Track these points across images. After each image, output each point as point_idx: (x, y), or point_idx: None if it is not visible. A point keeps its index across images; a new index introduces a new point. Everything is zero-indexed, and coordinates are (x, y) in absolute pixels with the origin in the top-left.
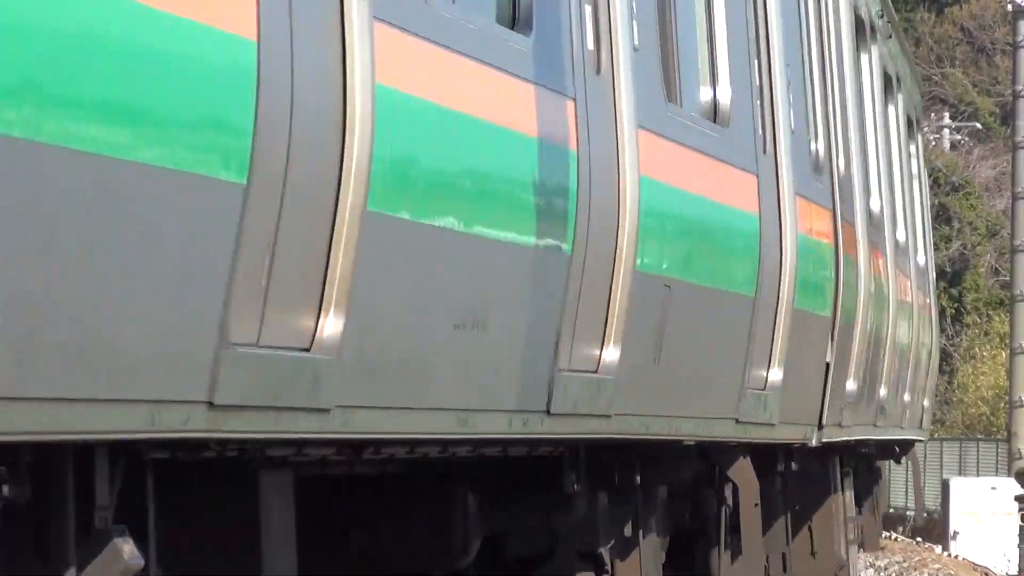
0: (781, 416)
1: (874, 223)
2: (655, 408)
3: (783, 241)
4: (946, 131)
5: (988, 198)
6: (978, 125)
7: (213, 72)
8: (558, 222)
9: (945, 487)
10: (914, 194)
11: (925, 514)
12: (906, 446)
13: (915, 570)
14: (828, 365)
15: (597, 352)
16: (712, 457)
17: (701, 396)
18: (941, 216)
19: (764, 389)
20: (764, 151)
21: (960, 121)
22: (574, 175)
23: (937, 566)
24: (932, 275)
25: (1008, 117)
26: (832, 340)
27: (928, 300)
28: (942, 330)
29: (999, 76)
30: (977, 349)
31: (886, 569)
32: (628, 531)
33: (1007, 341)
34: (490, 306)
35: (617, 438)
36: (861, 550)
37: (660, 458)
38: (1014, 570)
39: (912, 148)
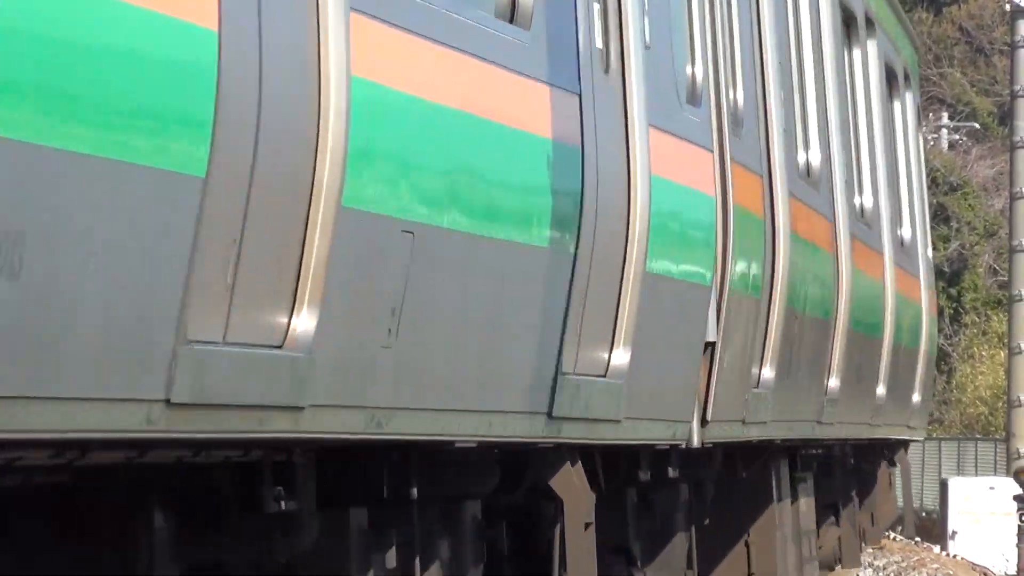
0: (631, 410)
1: (812, 180)
2: (391, 400)
3: (632, 182)
4: (944, 131)
5: (986, 198)
6: (976, 125)
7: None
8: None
9: (943, 487)
10: (906, 176)
11: (917, 515)
12: (897, 446)
13: (913, 570)
14: (712, 346)
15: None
16: (532, 466)
17: (451, 382)
18: (939, 216)
19: (605, 375)
20: (606, 70)
21: (958, 121)
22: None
23: (936, 566)
24: (921, 254)
25: (1006, 117)
26: (719, 315)
27: (918, 284)
28: (940, 330)
29: (997, 76)
30: (975, 349)
31: (884, 569)
32: (392, 561)
33: (1005, 341)
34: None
35: (310, 437)
36: (839, 565)
37: (447, 464)
38: (1012, 570)
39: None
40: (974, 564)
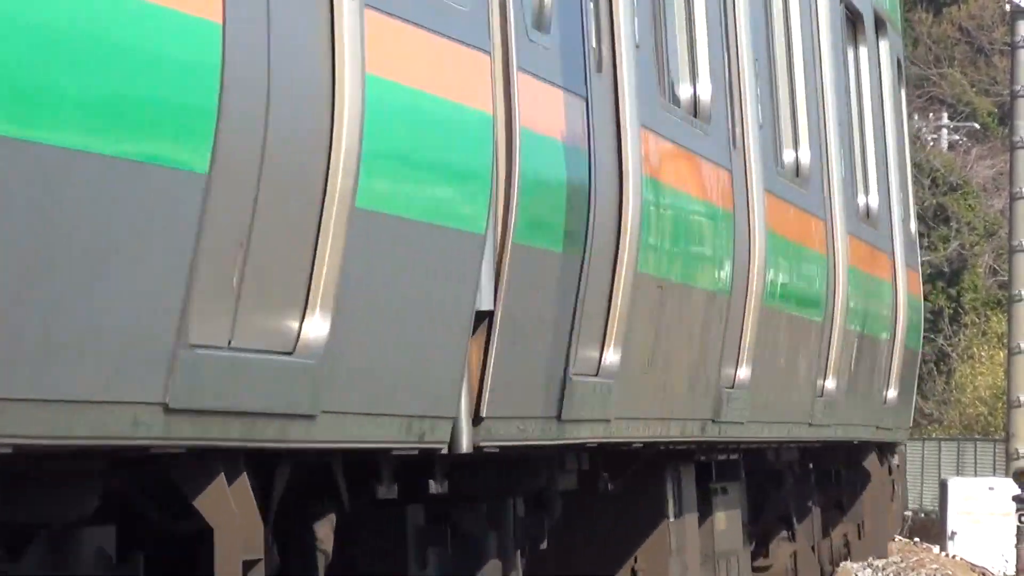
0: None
1: (702, 117)
2: None
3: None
4: (944, 131)
5: (986, 198)
6: (976, 125)
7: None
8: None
9: (943, 487)
10: (871, 134)
11: (909, 515)
12: (869, 449)
13: (912, 570)
14: (489, 318)
15: None
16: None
17: None
18: (939, 216)
19: (292, 353)
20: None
21: (958, 121)
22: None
23: (935, 566)
24: (898, 226)
25: (1006, 117)
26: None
27: (889, 262)
28: (939, 330)
29: (997, 76)
30: (975, 349)
31: (883, 569)
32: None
33: (1005, 341)
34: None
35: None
36: None
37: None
38: (1012, 570)
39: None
40: (973, 565)
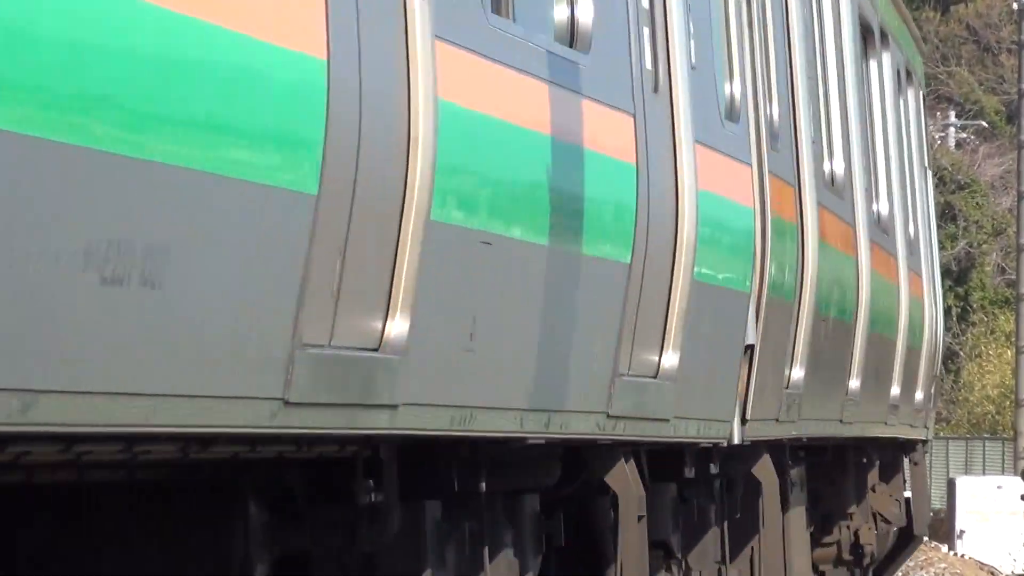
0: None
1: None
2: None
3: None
4: (951, 129)
5: (994, 196)
6: (984, 123)
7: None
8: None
9: (951, 486)
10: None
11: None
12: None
13: (921, 569)
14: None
15: None
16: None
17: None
18: (947, 214)
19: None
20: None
21: (966, 120)
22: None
23: (943, 565)
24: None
25: (1014, 115)
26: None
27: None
28: (948, 329)
29: (1005, 74)
30: (983, 348)
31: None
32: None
33: (1013, 339)
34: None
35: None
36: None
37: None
38: (1020, 569)
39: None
40: (981, 563)
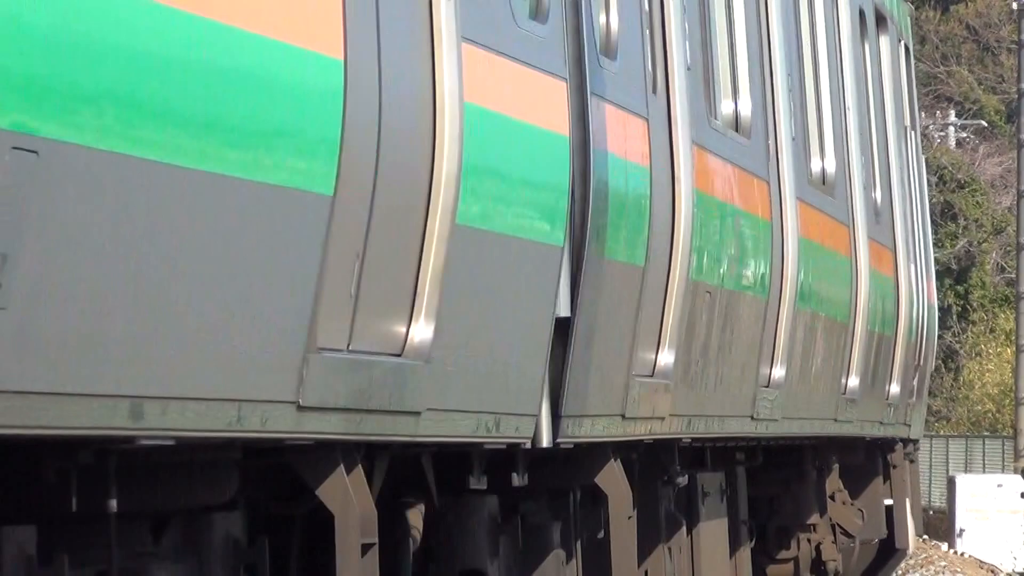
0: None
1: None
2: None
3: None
4: (951, 129)
5: (994, 195)
6: (983, 123)
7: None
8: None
9: (951, 484)
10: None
11: (924, 513)
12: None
13: (921, 567)
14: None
15: None
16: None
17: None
18: (947, 213)
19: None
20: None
21: (965, 119)
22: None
23: (943, 563)
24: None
25: (1013, 114)
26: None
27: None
28: (948, 327)
29: (1004, 74)
30: (983, 346)
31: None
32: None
33: (1012, 338)
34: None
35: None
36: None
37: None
38: (1021, 567)
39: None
40: (982, 562)
